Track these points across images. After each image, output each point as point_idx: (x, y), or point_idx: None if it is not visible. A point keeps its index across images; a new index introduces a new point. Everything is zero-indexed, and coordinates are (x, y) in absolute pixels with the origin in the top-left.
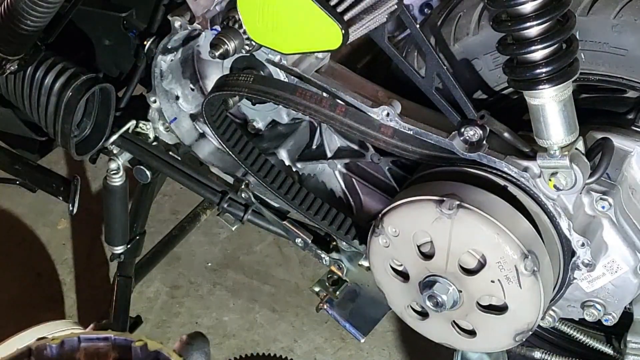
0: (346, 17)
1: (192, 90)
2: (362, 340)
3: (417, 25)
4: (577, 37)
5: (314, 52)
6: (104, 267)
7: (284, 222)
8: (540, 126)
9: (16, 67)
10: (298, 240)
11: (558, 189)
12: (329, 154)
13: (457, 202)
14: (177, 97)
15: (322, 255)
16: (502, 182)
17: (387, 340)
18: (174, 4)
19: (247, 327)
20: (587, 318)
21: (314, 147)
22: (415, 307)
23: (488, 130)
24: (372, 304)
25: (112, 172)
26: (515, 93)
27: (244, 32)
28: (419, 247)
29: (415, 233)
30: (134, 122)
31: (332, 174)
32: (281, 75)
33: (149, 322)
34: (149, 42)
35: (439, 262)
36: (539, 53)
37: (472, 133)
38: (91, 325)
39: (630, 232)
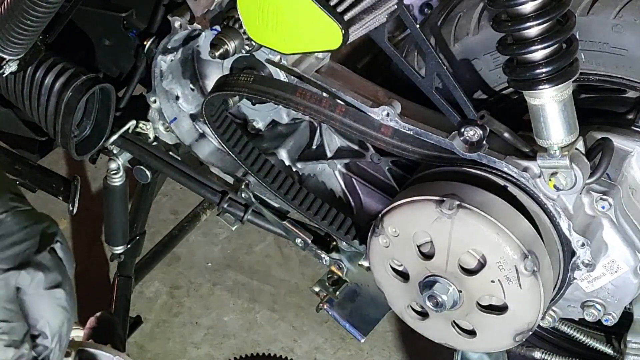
0: (346, 17)
1: (192, 90)
2: (362, 340)
3: (417, 25)
4: (577, 37)
5: (314, 52)
6: (104, 267)
7: (284, 222)
8: (540, 126)
9: (16, 67)
10: (298, 240)
11: (558, 189)
12: (329, 154)
13: (457, 202)
14: (177, 97)
15: (322, 255)
16: (502, 182)
17: (387, 340)
18: (174, 4)
19: (247, 327)
20: (587, 318)
21: (314, 147)
22: (415, 307)
23: (488, 130)
24: (372, 304)
25: (112, 172)
26: (515, 93)
27: (244, 32)
28: (419, 247)
29: (415, 233)
30: (134, 122)
31: (332, 174)
32: (281, 75)
33: (149, 322)
34: (149, 42)
35: (439, 262)
36: (539, 53)
37: (472, 133)
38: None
39: (630, 232)
